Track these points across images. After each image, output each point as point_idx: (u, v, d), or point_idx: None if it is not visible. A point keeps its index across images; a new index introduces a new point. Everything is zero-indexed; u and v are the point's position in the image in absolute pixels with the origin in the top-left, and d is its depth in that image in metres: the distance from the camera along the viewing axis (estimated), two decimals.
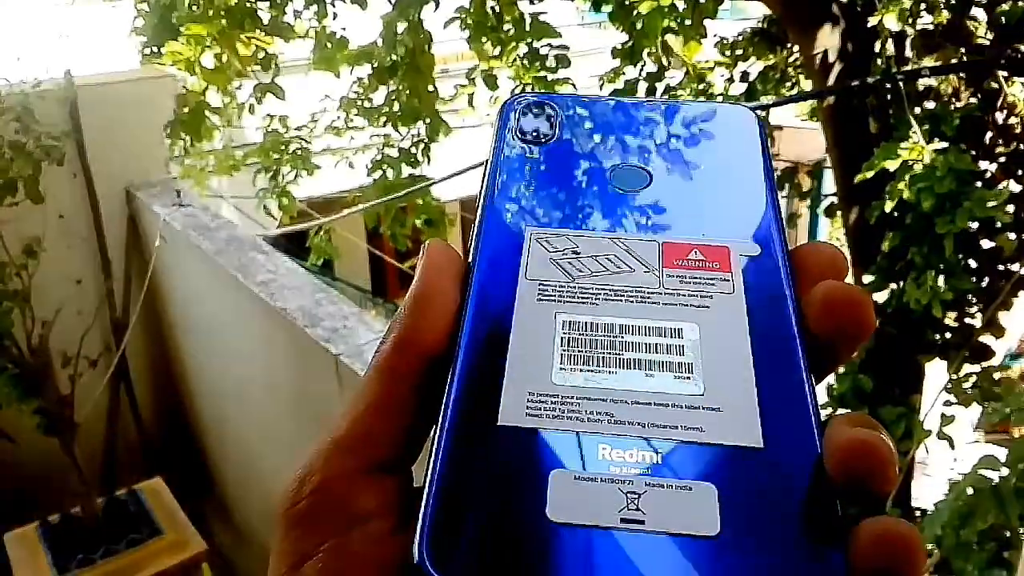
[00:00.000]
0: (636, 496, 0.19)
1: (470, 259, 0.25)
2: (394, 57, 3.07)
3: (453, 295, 0.24)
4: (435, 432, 0.21)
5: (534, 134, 0.29)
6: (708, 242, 0.25)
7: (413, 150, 3.15)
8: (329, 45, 2.98)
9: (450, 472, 0.20)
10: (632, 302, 0.24)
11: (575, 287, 0.24)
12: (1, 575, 1.79)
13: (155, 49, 3.10)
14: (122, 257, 2.38)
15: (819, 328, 0.23)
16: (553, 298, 0.24)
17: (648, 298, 0.24)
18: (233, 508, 2.34)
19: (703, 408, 0.21)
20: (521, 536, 0.19)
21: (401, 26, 2.94)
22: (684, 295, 0.24)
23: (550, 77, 2.81)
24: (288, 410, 1.81)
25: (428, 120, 3.13)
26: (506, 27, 2.86)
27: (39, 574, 1.76)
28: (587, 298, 0.24)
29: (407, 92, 3.06)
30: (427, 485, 0.20)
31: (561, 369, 0.22)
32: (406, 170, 3.09)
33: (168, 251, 2.22)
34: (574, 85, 3.04)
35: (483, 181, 0.28)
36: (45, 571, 1.76)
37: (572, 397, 0.21)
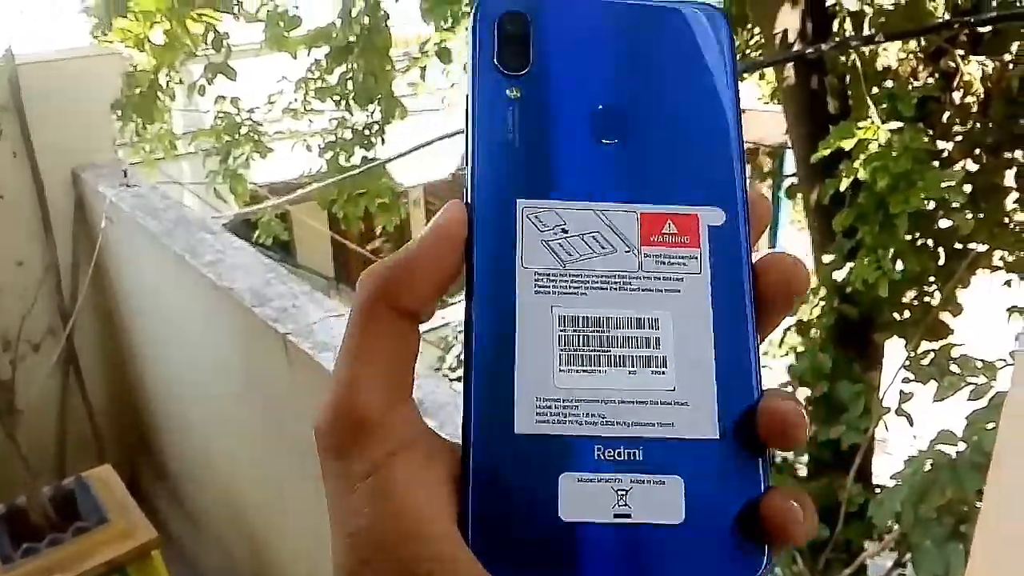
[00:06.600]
0: (624, 493, 0.25)
1: (470, 235, 0.27)
2: (351, 37, 3.01)
3: (449, 272, 0.27)
4: (464, 436, 0.26)
5: (510, 61, 0.29)
6: (679, 211, 0.29)
7: (367, 132, 3.10)
8: (281, 23, 2.92)
9: (483, 479, 0.26)
10: (615, 290, 0.28)
11: (567, 276, 0.28)
12: None
13: (105, 31, 3.01)
14: (69, 239, 2.31)
15: (767, 290, 0.28)
16: (548, 290, 0.27)
17: (629, 284, 0.28)
18: (186, 494, 2.29)
19: (674, 403, 0.27)
20: (542, 534, 0.25)
21: (359, 4, 2.89)
22: (660, 279, 0.28)
23: None
24: (238, 392, 1.76)
25: (383, 101, 3.07)
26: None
27: None
28: (577, 287, 0.28)
29: (363, 72, 3.00)
30: (467, 491, 0.26)
31: (561, 371, 0.27)
32: (360, 153, 3.03)
33: (115, 233, 2.16)
34: None
35: (468, 124, 0.29)
36: None
37: (571, 400, 0.26)
